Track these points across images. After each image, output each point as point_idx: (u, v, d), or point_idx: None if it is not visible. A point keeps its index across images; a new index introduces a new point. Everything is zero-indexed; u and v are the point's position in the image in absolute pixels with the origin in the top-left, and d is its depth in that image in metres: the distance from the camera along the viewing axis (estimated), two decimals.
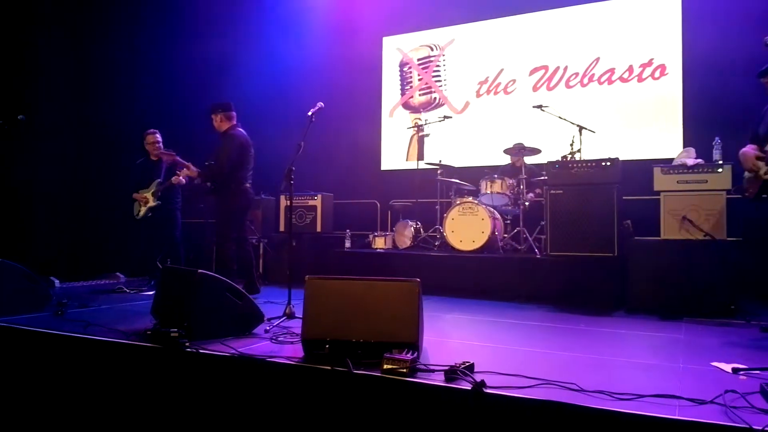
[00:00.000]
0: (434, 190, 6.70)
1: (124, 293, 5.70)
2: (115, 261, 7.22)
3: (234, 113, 5.54)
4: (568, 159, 5.38)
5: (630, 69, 6.85)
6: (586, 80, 7.10)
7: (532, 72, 7.42)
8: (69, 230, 7.36)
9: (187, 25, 8.41)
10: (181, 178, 5.85)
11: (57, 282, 6.32)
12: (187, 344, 3.09)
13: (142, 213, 6.07)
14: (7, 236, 6.32)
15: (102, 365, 3.31)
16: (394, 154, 8.31)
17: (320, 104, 4.48)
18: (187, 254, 6.26)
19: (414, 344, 2.73)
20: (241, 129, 5.52)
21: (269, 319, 3.79)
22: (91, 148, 7.58)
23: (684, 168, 4.73)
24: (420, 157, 7.51)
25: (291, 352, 3.01)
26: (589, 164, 5.04)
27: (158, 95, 8.00)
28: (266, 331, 3.57)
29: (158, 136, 6.24)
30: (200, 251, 7.01)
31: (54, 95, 7.21)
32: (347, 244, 6.82)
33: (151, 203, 6.01)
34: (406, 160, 8.14)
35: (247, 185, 5.46)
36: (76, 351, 3.42)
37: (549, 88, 7.31)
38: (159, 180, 6.07)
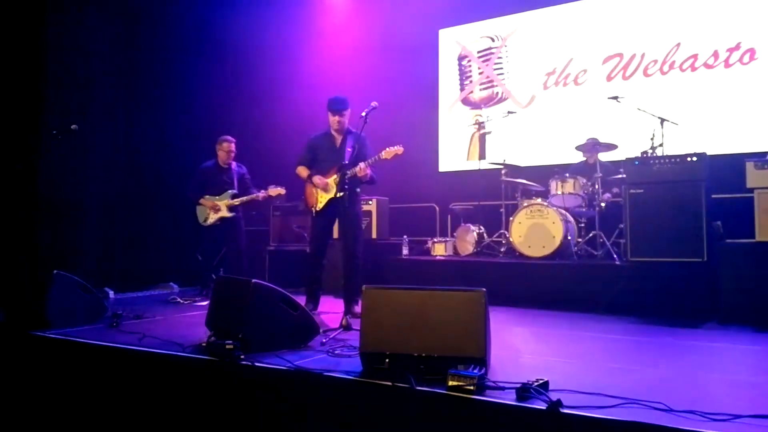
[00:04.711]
0: (498, 191, 6.62)
1: (178, 304, 5.89)
2: (168, 271, 7.47)
3: None
4: (649, 154, 5.20)
5: (715, 54, 6.55)
6: (666, 68, 6.84)
7: (605, 60, 7.22)
8: (122, 241, 7.65)
9: (239, 28, 8.63)
10: (263, 194, 5.98)
11: (111, 293, 6.58)
12: (242, 357, 3.15)
13: (210, 221, 6.06)
14: (62, 248, 6.62)
15: (157, 378, 3.41)
16: (454, 154, 8.26)
17: (374, 104, 4.50)
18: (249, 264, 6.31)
19: (481, 359, 2.69)
20: None
21: (325, 331, 3.83)
22: (142, 157, 7.85)
23: None
24: (481, 156, 7.44)
25: (349, 366, 3.02)
26: (672, 160, 4.85)
27: (214, 103, 8.21)
28: (322, 344, 3.60)
29: (233, 145, 6.22)
30: (254, 260, 7.16)
31: (105, 105, 7.51)
32: (405, 251, 6.81)
33: (225, 214, 6.03)
34: (467, 160, 8.08)
35: None
36: (132, 364, 3.54)
37: (624, 78, 7.09)
38: (234, 191, 6.09)
